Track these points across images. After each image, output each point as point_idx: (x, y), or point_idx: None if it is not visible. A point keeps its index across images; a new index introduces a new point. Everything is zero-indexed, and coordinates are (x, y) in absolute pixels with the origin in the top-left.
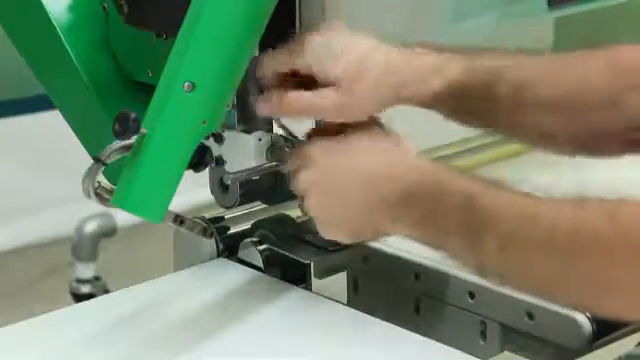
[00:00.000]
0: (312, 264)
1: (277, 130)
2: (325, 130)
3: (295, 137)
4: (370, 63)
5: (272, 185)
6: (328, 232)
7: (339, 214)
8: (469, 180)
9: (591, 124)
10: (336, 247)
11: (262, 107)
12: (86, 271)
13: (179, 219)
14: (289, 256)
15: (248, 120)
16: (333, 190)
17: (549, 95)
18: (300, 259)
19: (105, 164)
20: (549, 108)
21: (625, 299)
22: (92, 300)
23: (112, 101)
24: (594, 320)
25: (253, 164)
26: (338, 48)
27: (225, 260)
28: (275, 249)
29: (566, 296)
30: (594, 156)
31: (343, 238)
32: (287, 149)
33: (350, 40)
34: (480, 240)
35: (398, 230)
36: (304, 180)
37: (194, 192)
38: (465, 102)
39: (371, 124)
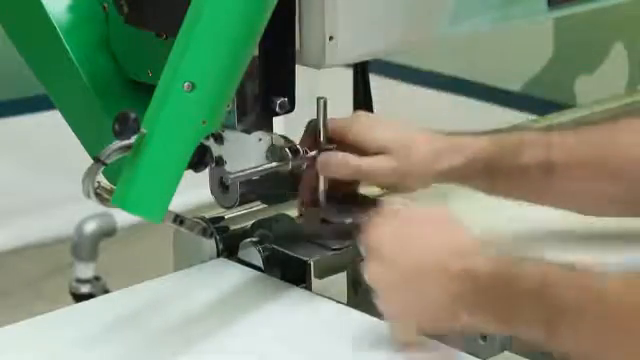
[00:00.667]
0: (312, 264)
1: (277, 130)
2: (384, 215)
3: (292, 142)
4: (416, 133)
5: (272, 185)
6: (403, 327)
7: (414, 309)
8: (541, 266)
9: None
10: (337, 247)
11: (321, 167)
12: (86, 271)
13: (179, 219)
14: (289, 254)
15: (248, 120)
16: (406, 286)
17: (581, 157)
18: (300, 256)
19: (105, 164)
20: (584, 170)
21: None
22: (92, 300)
23: (112, 101)
24: None
25: (253, 164)
26: (383, 120)
27: (225, 260)
28: (275, 248)
29: None
30: None
31: (419, 332)
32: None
33: (387, 118)
34: (556, 325)
35: (474, 321)
36: (375, 274)
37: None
38: (495, 170)
39: (430, 208)
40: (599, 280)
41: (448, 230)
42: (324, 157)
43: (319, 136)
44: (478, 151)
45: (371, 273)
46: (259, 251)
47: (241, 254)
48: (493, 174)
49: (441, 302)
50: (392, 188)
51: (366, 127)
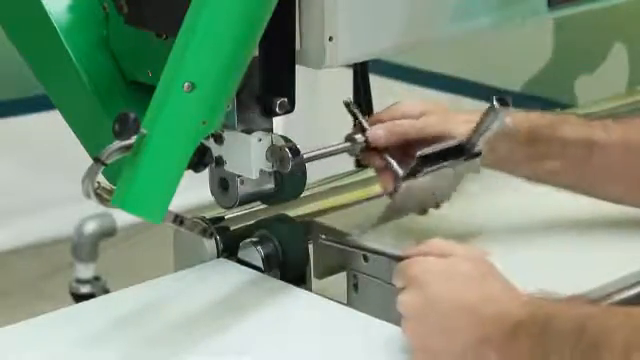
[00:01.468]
0: (312, 264)
1: (277, 130)
2: (428, 251)
3: (292, 142)
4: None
5: (272, 186)
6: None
7: (440, 347)
8: (576, 305)
9: None
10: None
11: (373, 138)
12: (86, 271)
13: (179, 219)
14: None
15: (248, 120)
16: (437, 322)
17: (619, 138)
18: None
19: (105, 164)
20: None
21: None
22: (92, 300)
23: (112, 101)
24: None
25: (253, 164)
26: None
27: (225, 260)
28: (275, 247)
29: None
30: None
31: None
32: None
33: None
34: (598, 358)
35: None
36: (407, 302)
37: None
38: (536, 138)
39: (471, 250)
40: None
41: (486, 274)
42: (373, 129)
43: (363, 124)
44: (523, 118)
45: (406, 302)
46: (259, 251)
47: (241, 254)
48: (533, 142)
49: (469, 343)
50: (439, 138)
51: (404, 104)
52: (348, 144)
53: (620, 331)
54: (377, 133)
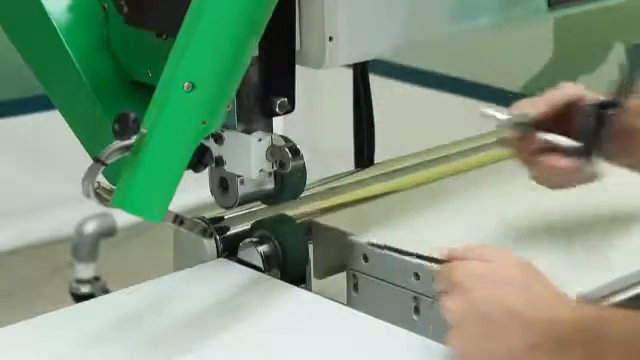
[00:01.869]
0: (312, 264)
1: (277, 130)
2: (471, 254)
3: (292, 142)
4: None
5: (272, 186)
6: None
7: (487, 352)
8: (629, 314)
9: None
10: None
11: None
12: (86, 271)
13: (179, 219)
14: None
15: (248, 120)
16: (484, 328)
17: None
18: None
19: (105, 164)
20: None
21: None
22: (92, 300)
23: (112, 101)
24: None
25: (253, 164)
26: None
27: (225, 260)
28: (275, 247)
29: None
30: None
31: None
32: None
33: None
34: None
35: None
36: (451, 309)
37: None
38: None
39: (514, 256)
40: None
41: (532, 279)
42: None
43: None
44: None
45: (451, 307)
46: (259, 251)
47: (241, 254)
48: None
49: (517, 349)
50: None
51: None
52: (511, 117)
53: None
54: (524, 106)
